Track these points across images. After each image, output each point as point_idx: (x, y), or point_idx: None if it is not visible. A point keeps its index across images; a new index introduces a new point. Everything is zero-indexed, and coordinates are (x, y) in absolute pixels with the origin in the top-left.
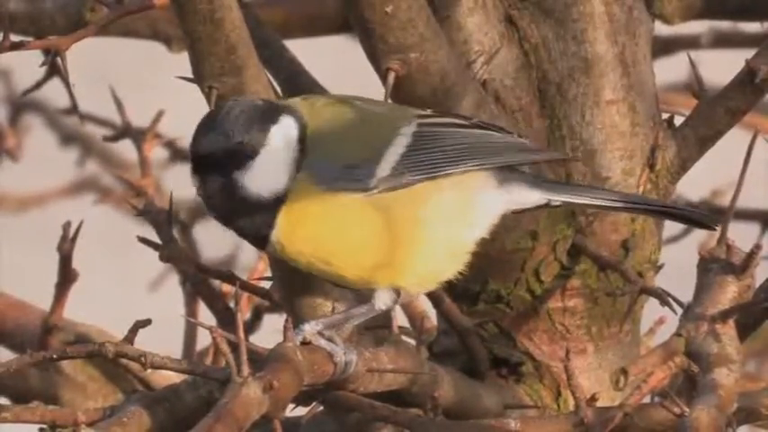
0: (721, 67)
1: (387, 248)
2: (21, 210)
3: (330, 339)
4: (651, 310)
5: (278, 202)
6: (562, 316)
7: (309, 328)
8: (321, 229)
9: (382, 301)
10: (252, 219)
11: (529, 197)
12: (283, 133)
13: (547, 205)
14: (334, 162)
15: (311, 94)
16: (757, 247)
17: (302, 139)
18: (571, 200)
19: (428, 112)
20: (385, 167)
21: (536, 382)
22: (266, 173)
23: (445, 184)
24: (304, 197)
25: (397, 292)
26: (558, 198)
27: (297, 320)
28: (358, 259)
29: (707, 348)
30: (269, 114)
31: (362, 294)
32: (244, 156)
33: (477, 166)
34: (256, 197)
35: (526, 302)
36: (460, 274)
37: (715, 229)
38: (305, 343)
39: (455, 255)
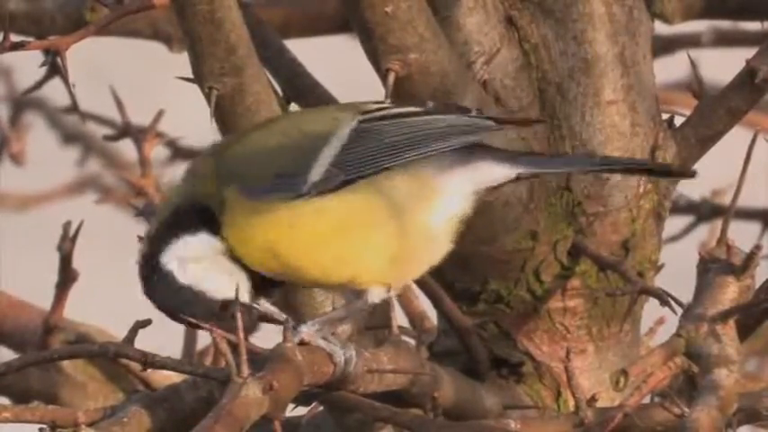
0: (722, 67)
1: (337, 249)
2: (21, 209)
3: (328, 339)
4: (651, 310)
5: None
6: (562, 316)
7: (307, 329)
8: (263, 240)
9: (375, 294)
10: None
11: (495, 172)
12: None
13: (518, 179)
14: (264, 174)
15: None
16: (757, 247)
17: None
18: (541, 171)
19: (379, 105)
20: (318, 171)
21: (536, 383)
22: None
23: (394, 175)
24: (240, 215)
25: (387, 284)
26: (527, 170)
27: (297, 320)
28: (311, 262)
29: (707, 349)
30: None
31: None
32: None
33: (418, 155)
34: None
35: (526, 302)
36: (460, 272)
37: (691, 176)
38: (303, 343)
39: (425, 241)
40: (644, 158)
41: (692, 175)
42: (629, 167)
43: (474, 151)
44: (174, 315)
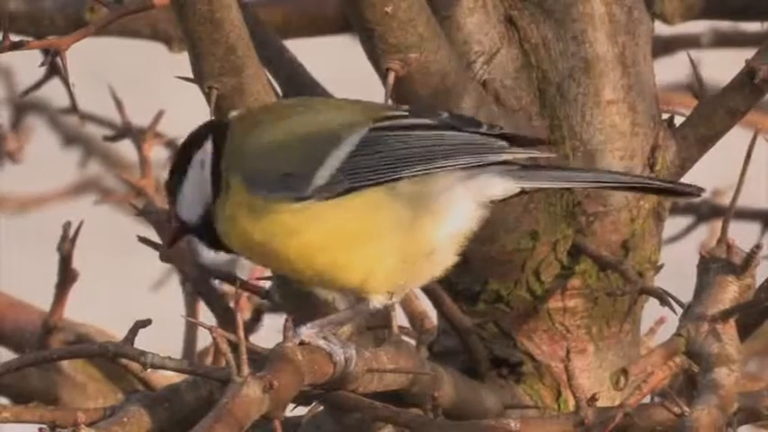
0: (722, 67)
1: (335, 255)
2: (22, 210)
3: (328, 339)
4: (651, 310)
5: (208, 216)
6: (562, 316)
7: (306, 330)
8: (259, 237)
9: (377, 299)
10: (204, 235)
11: (497, 188)
12: (200, 159)
13: (522, 192)
14: (271, 171)
15: (268, 104)
16: (758, 246)
17: (219, 154)
18: (545, 185)
19: (395, 112)
20: (323, 175)
21: (536, 382)
22: (190, 197)
23: (398, 187)
24: (239, 207)
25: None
26: (530, 185)
27: (297, 321)
28: (307, 265)
29: (707, 348)
30: (191, 144)
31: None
32: (173, 191)
33: (424, 170)
34: (190, 220)
35: (526, 302)
36: (460, 272)
37: (698, 195)
38: (303, 344)
39: (426, 255)
40: (648, 176)
41: (698, 194)
42: (634, 185)
43: (477, 166)
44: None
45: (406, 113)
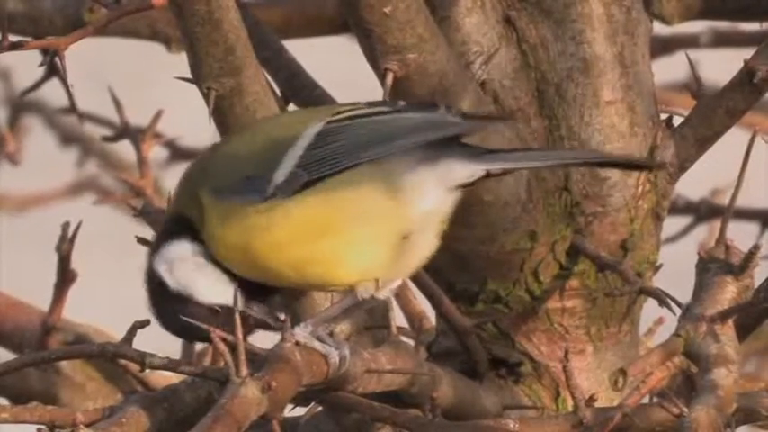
0: (720, 67)
1: (305, 249)
2: (20, 210)
3: (323, 339)
4: (650, 310)
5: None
6: (561, 316)
7: (300, 331)
8: (235, 241)
9: (364, 289)
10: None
11: (461, 170)
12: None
13: (489, 175)
14: (235, 176)
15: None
16: (756, 247)
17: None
18: (508, 166)
19: (351, 106)
20: (282, 173)
21: (535, 383)
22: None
23: (359, 174)
24: (215, 219)
25: (375, 280)
26: (495, 167)
27: (296, 320)
28: (281, 264)
29: (706, 349)
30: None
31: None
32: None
33: (381, 152)
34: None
35: (525, 303)
36: (459, 272)
37: (653, 169)
38: (298, 344)
39: (398, 238)
40: (620, 153)
41: (655, 166)
42: (601, 162)
43: (442, 149)
44: (179, 332)
45: (364, 106)
